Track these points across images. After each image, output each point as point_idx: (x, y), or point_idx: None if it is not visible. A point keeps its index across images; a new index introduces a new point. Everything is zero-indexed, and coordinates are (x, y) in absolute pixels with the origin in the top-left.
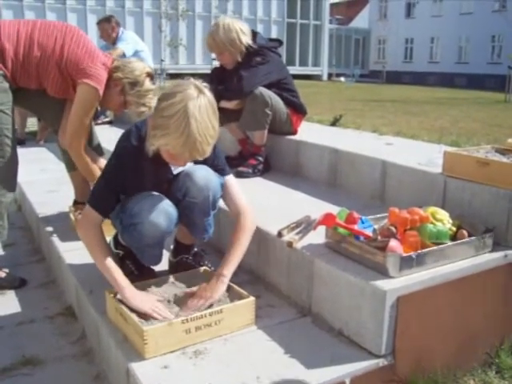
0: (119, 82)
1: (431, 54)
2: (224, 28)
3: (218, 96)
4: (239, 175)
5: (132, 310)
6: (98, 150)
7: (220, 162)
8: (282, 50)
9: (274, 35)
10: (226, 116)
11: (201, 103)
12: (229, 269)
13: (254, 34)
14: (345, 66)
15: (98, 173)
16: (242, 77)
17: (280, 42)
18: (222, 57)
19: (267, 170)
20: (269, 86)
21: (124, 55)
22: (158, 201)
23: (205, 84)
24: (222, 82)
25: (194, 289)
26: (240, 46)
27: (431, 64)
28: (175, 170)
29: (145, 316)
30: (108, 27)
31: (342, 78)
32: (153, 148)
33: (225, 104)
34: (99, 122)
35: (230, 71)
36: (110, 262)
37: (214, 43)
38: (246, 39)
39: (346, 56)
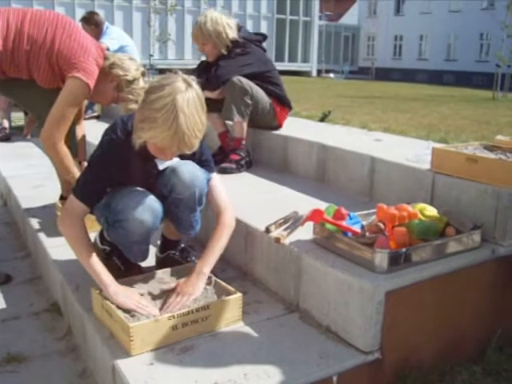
0: (117, 78)
1: (420, 51)
2: (212, 20)
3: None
4: (223, 171)
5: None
6: (71, 150)
7: (207, 158)
8: (271, 46)
9: (263, 31)
10: (207, 106)
11: (189, 97)
12: (208, 265)
13: (239, 27)
14: (334, 62)
15: (75, 169)
16: (219, 66)
17: (264, 36)
18: (205, 47)
19: (250, 165)
20: (252, 78)
21: (108, 50)
22: (142, 197)
23: (192, 77)
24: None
25: (173, 285)
26: (225, 40)
27: (420, 61)
28: (161, 165)
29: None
30: (87, 28)
31: (332, 75)
32: (140, 141)
33: (207, 94)
34: (86, 116)
35: (212, 63)
36: (94, 258)
37: (200, 33)
38: (232, 33)
39: (336, 52)
